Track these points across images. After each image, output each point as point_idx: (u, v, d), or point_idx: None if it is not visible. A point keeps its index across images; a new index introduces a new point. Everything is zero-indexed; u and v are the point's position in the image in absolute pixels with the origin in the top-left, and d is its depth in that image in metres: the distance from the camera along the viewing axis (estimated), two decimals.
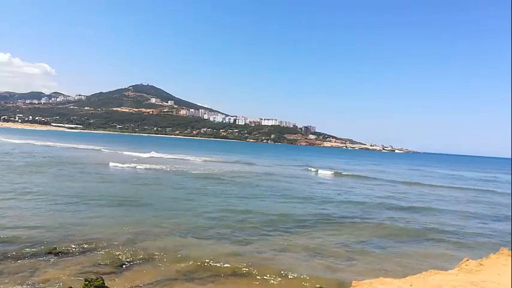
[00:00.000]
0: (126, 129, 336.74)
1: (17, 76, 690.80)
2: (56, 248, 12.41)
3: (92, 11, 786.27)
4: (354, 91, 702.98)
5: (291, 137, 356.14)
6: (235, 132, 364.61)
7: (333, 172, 54.04)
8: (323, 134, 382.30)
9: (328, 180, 45.32)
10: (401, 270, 12.56)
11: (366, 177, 49.58)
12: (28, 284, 9.70)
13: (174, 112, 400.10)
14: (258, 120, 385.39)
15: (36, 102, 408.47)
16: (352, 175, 51.97)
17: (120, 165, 41.66)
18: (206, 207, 21.47)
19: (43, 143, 77.10)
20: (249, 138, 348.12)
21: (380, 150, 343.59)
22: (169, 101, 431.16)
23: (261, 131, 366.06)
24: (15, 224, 14.97)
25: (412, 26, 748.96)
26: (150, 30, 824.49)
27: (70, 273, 10.53)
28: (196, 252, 13.20)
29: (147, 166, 43.12)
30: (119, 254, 12.32)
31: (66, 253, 12.11)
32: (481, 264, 10.31)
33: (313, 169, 57.55)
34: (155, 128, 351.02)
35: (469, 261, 10.57)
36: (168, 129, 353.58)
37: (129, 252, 12.65)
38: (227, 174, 41.15)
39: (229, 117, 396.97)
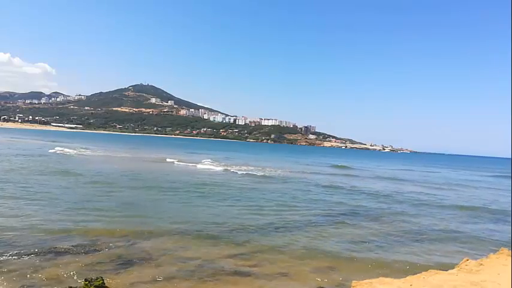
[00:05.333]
0: (126, 129, 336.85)
1: (17, 76, 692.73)
2: (55, 247, 12.42)
3: (92, 11, 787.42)
4: (354, 91, 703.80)
5: (291, 137, 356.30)
6: (235, 132, 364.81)
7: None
8: (323, 134, 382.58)
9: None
10: (401, 270, 12.56)
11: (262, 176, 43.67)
12: (28, 284, 9.68)
13: (174, 112, 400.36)
14: (258, 120, 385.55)
15: (36, 102, 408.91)
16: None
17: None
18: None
19: None
20: (249, 138, 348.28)
21: (380, 150, 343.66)
22: (169, 101, 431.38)
23: (261, 131, 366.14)
24: (14, 223, 14.96)
25: (413, 26, 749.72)
26: (150, 30, 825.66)
27: (70, 273, 10.53)
28: (197, 252, 13.22)
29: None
30: (119, 254, 12.32)
31: (65, 252, 12.11)
32: (481, 264, 10.31)
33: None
34: (155, 128, 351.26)
35: (469, 261, 10.57)
36: (168, 129, 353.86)
37: (129, 251, 12.65)
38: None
39: (229, 117, 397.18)
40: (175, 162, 53.19)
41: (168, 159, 56.87)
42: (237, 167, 51.39)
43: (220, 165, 52.36)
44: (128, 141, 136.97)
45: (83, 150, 65.93)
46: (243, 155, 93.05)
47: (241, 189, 29.91)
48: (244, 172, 45.10)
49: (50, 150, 58.16)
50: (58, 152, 57.37)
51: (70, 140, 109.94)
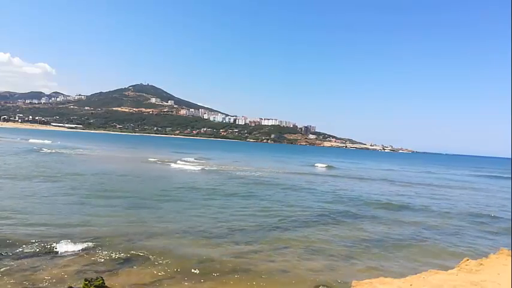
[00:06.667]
0: (126, 129, 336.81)
1: (17, 76, 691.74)
2: (56, 247, 12.42)
3: (92, 11, 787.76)
4: (354, 91, 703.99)
5: (291, 137, 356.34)
6: (235, 132, 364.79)
7: None
8: (323, 134, 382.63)
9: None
10: (401, 270, 12.56)
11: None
12: (28, 283, 9.69)
13: (174, 112, 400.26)
14: (258, 120, 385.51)
15: (36, 102, 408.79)
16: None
17: None
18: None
19: None
20: (249, 138, 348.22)
21: (380, 150, 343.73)
22: (169, 101, 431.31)
23: (261, 130, 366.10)
24: (15, 224, 14.98)
25: (413, 26, 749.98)
26: (150, 30, 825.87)
27: (70, 273, 10.53)
28: (196, 251, 13.22)
29: None
30: (119, 253, 12.32)
31: (66, 252, 12.11)
32: (481, 264, 10.32)
33: None
34: (155, 128, 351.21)
35: (469, 261, 10.59)
36: (168, 129, 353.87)
37: (129, 251, 12.65)
38: None
39: (229, 117, 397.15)
40: (155, 161, 52.70)
41: (150, 159, 56.08)
42: (215, 167, 50.41)
43: (199, 165, 51.11)
44: (123, 141, 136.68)
45: (64, 149, 64.65)
46: (231, 155, 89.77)
47: (212, 189, 29.28)
48: (217, 171, 44.65)
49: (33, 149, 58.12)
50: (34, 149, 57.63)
51: (63, 139, 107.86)
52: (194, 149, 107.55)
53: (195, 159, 62.89)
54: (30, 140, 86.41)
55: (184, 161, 55.75)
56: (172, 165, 49.55)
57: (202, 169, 46.22)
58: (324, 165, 68.99)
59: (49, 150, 58.80)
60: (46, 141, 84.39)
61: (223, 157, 78.02)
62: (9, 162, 37.24)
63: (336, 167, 68.38)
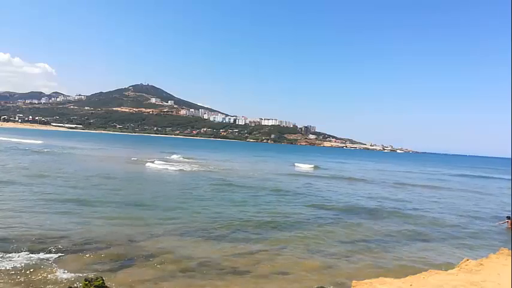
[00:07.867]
0: (126, 129, 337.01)
1: (17, 76, 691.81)
2: (55, 247, 12.41)
3: (92, 11, 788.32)
4: (355, 91, 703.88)
5: (291, 137, 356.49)
6: (235, 132, 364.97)
7: None
8: (323, 134, 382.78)
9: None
10: (401, 270, 12.55)
11: None
12: (28, 284, 9.68)
13: (174, 112, 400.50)
14: (258, 120, 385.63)
15: (36, 102, 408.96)
16: None
17: None
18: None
19: None
20: (249, 138, 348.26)
21: (380, 150, 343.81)
22: (169, 101, 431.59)
23: (261, 130, 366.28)
24: (14, 224, 14.94)
25: (412, 26, 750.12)
26: (150, 30, 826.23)
27: (70, 273, 10.52)
28: (196, 251, 13.23)
29: None
30: (119, 253, 12.32)
31: (65, 252, 12.10)
32: (481, 264, 10.32)
33: None
34: (155, 128, 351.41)
35: (469, 261, 10.59)
36: (168, 129, 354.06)
37: (129, 251, 12.65)
38: None
39: (229, 117, 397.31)
40: (134, 161, 51.50)
41: (133, 158, 55.02)
42: (193, 167, 48.56)
43: (177, 165, 49.47)
44: (119, 141, 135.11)
45: (43, 148, 62.42)
46: (220, 155, 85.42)
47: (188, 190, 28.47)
48: (192, 171, 43.25)
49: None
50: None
51: (54, 139, 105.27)
52: (186, 149, 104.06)
53: (183, 157, 62.01)
54: (13, 139, 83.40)
55: (163, 160, 53.35)
56: (149, 164, 46.73)
57: (180, 170, 43.98)
58: (311, 166, 65.29)
59: (31, 150, 57.25)
60: (29, 141, 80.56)
61: (209, 157, 74.32)
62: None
63: (323, 167, 65.70)
